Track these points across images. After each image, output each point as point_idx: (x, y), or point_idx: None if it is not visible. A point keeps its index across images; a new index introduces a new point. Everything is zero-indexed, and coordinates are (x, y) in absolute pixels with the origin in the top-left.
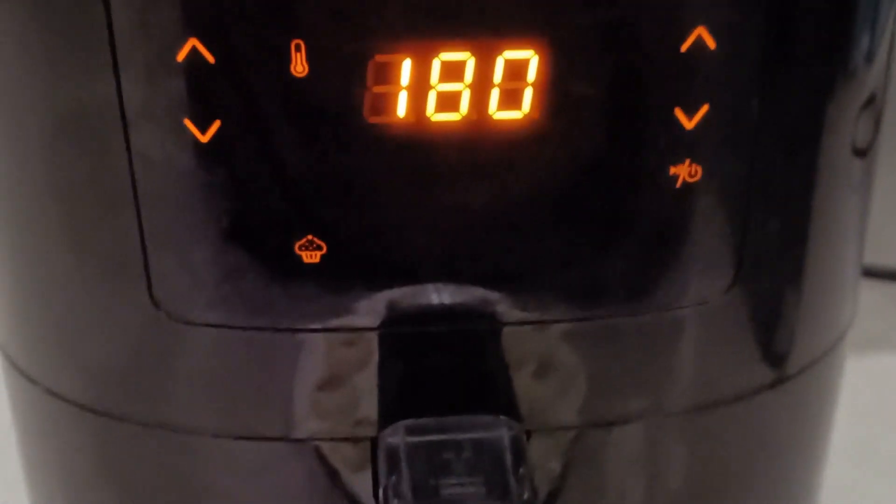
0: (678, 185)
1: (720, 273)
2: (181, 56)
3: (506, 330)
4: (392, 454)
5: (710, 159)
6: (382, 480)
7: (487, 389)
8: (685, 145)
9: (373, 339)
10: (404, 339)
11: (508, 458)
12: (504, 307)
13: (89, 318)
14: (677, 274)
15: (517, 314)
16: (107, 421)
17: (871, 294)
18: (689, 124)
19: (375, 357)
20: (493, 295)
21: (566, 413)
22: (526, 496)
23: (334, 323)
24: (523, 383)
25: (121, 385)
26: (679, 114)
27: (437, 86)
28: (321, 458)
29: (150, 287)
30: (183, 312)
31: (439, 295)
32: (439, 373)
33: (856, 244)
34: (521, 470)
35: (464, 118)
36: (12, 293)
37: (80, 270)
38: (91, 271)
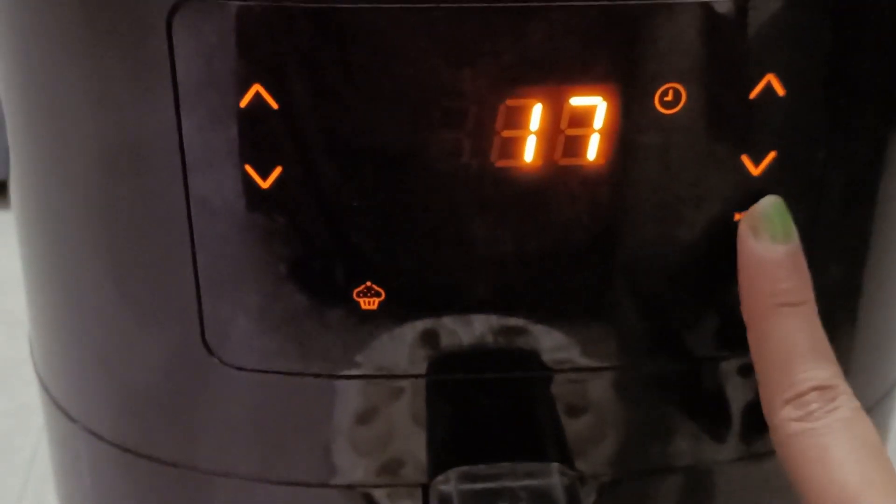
0: None
1: None
2: (244, 102)
3: (560, 377)
4: (445, 501)
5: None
6: None
7: (539, 437)
8: (751, 192)
9: (426, 385)
10: (458, 385)
11: None
12: (560, 354)
13: (137, 359)
14: (736, 321)
15: (573, 361)
16: (147, 463)
17: None
18: (755, 171)
19: (428, 403)
20: (549, 341)
21: (618, 461)
22: None
23: (388, 369)
24: (576, 430)
25: (164, 428)
26: (746, 160)
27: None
28: None
29: (203, 332)
30: (236, 358)
31: (495, 341)
32: (491, 420)
33: None
34: None
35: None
36: (58, 331)
37: (131, 311)
38: (142, 313)
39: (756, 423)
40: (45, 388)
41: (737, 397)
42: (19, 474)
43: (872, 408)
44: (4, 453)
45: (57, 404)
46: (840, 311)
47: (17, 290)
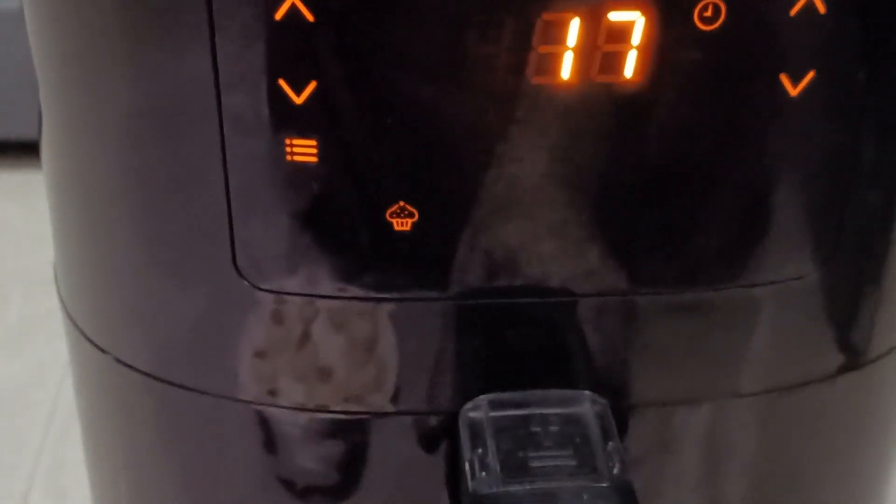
0: (780, 154)
1: (816, 249)
2: (280, 14)
3: (592, 302)
4: (475, 428)
5: (812, 128)
6: (467, 454)
7: (570, 364)
8: (789, 113)
9: (457, 310)
10: (489, 310)
11: (596, 431)
12: (594, 278)
13: (167, 286)
14: (772, 247)
15: (606, 286)
16: (177, 391)
17: None
18: (793, 91)
19: (459, 328)
20: (583, 265)
21: (648, 389)
22: (616, 470)
23: (419, 293)
24: (607, 358)
25: (194, 355)
26: (784, 80)
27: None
28: (399, 431)
29: (234, 255)
30: (267, 281)
31: (529, 266)
32: (523, 346)
33: None
34: (610, 444)
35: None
36: (87, 262)
37: (161, 238)
38: (172, 238)
39: (789, 355)
40: (73, 322)
41: (768, 327)
42: (38, 428)
43: None
44: (23, 408)
45: (86, 337)
46: (878, 242)
47: (34, 249)
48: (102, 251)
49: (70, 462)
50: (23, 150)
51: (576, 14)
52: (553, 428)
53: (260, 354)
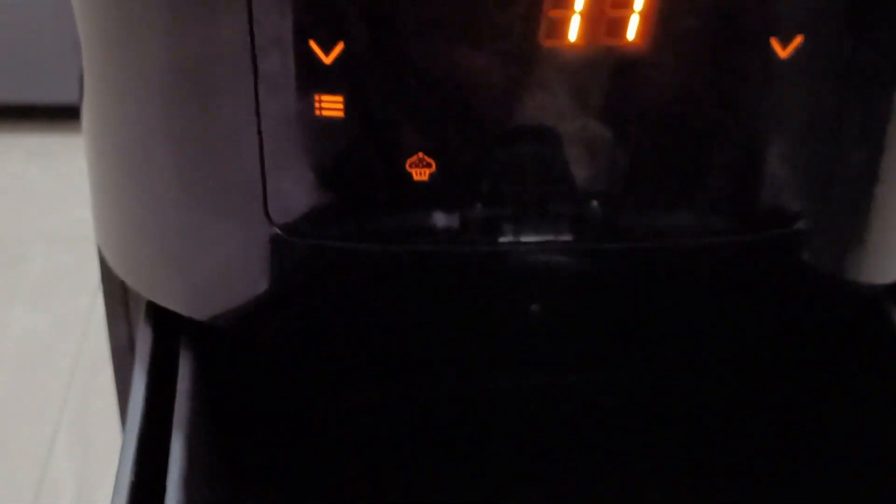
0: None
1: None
2: None
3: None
4: None
5: (800, 90)
6: None
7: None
8: (778, 75)
9: (470, 257)
10: (507, 256)
11: None
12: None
13: (199, 233)
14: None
15: (618, 232)
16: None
17: None
18: (783, 53)
19: (471, 279)
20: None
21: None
22: None
23: (438, 242)
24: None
25: (224, 301)
26: (774, 43)
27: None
28: None
29: (265, 204)
30: (296, 230)
31: (541, 215)
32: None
33: None
34: None
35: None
36: (121, 207)
37: (197, 186)
38: (207, 187)
39: None
40: (105, 264)
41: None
42: (62, 378)
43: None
44: (47, 360)
45: (122, 285)
46: (863, 198)
47: (55, 209)
48: (142, 203)
49: (94, 410)
50: (45, 115)
51: None
52: None
53: (285, 300)
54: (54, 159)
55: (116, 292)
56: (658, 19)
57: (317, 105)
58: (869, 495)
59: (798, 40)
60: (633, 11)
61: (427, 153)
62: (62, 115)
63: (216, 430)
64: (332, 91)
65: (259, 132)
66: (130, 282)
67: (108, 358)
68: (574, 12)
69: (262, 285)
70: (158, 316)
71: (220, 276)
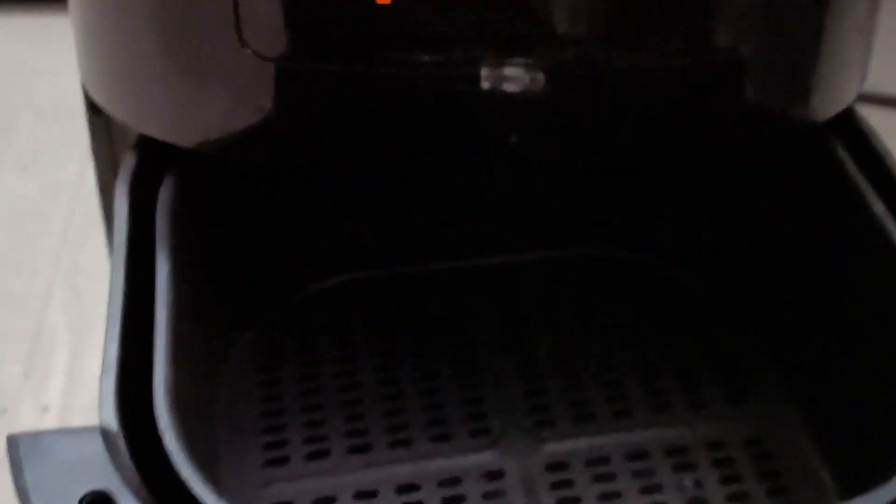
0: None
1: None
2: None
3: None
4: None
5: None
6: None
7: None
8: None
9: (434, 80)
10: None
11: None
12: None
13: (178, 59)
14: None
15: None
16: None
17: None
18: None
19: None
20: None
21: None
22: None
23: (399, 66)
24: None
25: (206, 127)
26: None
27: None
28: None
29: (238, 26)
30: (268, 50)
31: (500, 36)
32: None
33: None
34: None
35: None
36: (104, 41)
37: (175, 10)
38: (184, 12)
39: None
40: (86, 94)
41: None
42: (54, 239)
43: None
44: (39, 222)
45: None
46: (806, 28)
47: (42, 82)
48: (123, 33)
49: (85, 267)
50: None
51: None
52: None
53: (259, 121)
54: (40, 37)
55: (103, 134)
56: None
57: None
58: None
59: None
60: None
61: None
62: None
63: (198, 248)
64: None
65: None
66: (115, 113)
67: (100, 221)
68: None
69: (240, 109)
70: (145, 146)
71: (201, 101)
